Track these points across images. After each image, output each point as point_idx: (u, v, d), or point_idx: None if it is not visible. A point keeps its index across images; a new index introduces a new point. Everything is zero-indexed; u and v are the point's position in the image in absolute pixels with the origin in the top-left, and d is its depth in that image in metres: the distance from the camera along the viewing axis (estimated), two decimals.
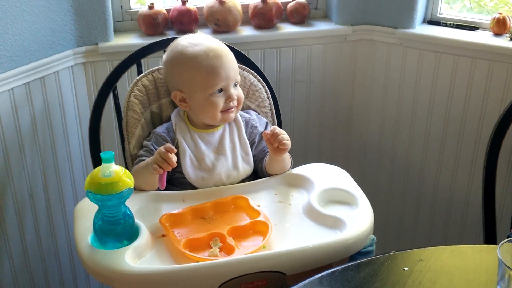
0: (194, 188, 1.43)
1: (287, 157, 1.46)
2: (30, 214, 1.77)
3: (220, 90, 1.42)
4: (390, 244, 2.23)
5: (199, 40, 1.44)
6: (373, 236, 1.35)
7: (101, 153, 1.16)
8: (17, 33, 1.60)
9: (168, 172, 1.35)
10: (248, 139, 1.50)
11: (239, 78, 1.47)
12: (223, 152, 1.46)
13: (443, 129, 1.98)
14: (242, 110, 1.56)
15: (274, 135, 1.38)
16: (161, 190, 1.38)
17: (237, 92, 1.45)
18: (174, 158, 1.32)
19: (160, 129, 1.49)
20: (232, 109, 1.45)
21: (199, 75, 1.40)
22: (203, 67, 1.40)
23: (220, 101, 1.42)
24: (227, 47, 1.47)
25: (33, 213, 1.78)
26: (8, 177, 1.68)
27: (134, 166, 1.45)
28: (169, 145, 1.34)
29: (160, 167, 1.32)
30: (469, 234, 2.06)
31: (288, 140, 1.39)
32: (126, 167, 1.50)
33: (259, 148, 1.51)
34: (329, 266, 1.14)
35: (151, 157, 1.38)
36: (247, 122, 1.52)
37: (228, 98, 1.43)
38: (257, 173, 1.51)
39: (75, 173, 1.89)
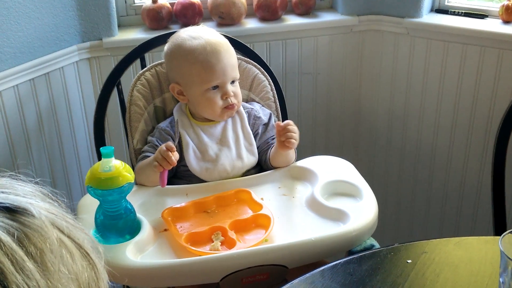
0: (199, 180, 1.43)
1: (291, 152, 1.45)
2: None
3: (216, 87, 1.41)
4: (401, 236, 2.21)
5: (200, 34, 1.43)
6: (374, 243, 1.25)
7: (100, 148, 1.16)
8: (20, 29, 1.60)
9: (169, 170, 1.34)
10: (251, 130, 1.49)
11: (237, 76, 1.45)
12: (227, 143, 1.45)
13: (452, 119, 1.95)
14: (246, 102, 1.55)
15: (285, 130, 1.37)
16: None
17: (234, 89, 1.43)
18: (175, 156, 1.30)
19: (164, 124, 1.48)
20: (233, 105, 1.43)
21: (195, 69, 1.39)
22: (199, 62, 1.39)
23: (216, 97, 1.41)
24: (228, 42, 1.46)
25: None
26: (15, 173, 1.68)
27: (138, 162, 1.44)
28: (170, 143, 1.33)
29: (160, 165, 1.31)
30: (480, 226, 2.03)
31: (296, 140, 1.37)
32: (130, 162, 1.50)
33: (262, 140, 1.50)
34: (323, 262, 1.13)
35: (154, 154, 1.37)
36: (249, 113, 1.50)
37: (224, 94, 1.41)
38: (261, 165, 1.50)
39: (82, 168, 1.89)
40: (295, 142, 1.37)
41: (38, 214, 0.50)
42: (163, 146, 1.31)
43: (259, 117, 1.50)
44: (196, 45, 1.40)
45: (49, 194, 0.55)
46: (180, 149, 1.42)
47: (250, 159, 1.46)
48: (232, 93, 1.42)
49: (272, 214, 1.24)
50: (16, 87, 1.63)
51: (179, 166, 1.43)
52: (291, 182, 1.42)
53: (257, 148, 1.48)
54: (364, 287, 1.03)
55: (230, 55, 1.43)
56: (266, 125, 1.51)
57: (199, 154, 1.43)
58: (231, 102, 1.42)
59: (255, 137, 1.49)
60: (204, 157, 1.42)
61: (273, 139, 1.46)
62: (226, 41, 1.45)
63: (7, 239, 0.46)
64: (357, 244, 1.20)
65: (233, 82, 1.43)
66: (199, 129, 1.45)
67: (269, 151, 1.46)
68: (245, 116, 1.49)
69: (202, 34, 1.43)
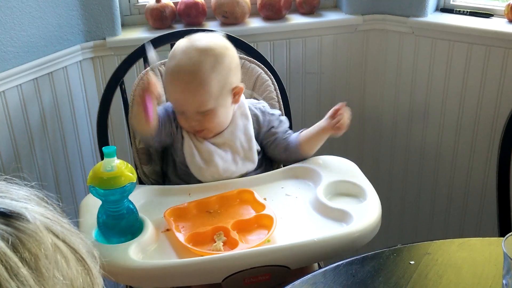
0: (198, 181, 1.42)
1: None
2: None
3: (182, 112, 1.38)
4: (405, 237, 2.20)
5: (183, 52, 1.35)
6: None
7: (103, 148, 1.16)
8: (24, 28, 1.60)
9: (162, 137, 1.36)
10: (267, 126, 1.48)
11: (208, 107, 1.34)
12: (223, 146, 1.43)
13: (457, 119, 1.94)
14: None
15: (339, 112, 1.40)
16: (154, 135, 1.38)
17: (203, 117, 1.36)
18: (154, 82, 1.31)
19: (170, 108, 1.46)
20: (200, 131, 1.40)
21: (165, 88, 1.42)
22: (165, 84, 1.41)
23: (182, 120, 1.39)
24: (210, 69, 1.32)
25: None
26: (18, 173, 1.68)
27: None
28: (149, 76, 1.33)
29: (143, 94, 1.30)
30: (486, 226, 2.02)
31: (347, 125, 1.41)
32: (134, 162, 1.50)
33: (280, 130, 1.50)
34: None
35: None
36: (263, 112, 1.49)
37: (187, 121, 1.39)
38: (275, 156, 1.50)
39: (85, 168, 1.89)
40: (346, 126, 1.40)
41: (33, 219, 0.49)
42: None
43: (273, 114, 1.50)
44: (170, 66, 1.37)
45: (44, 197, 0.54)
46: (180, 144, 1.42)
47: (246, 164, 1.44)
48: (195, 122, 1.37)
49: (275, 215, 1.24)
50: (20, 86, 1.63)
51: (179, 164, 1.43)
52: (294, 182, 1.41)
53: (276, 139, 1.47)
54: None
55: (196, 91, 1.32)
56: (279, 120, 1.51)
57: (195, 151, 1.41)
58: (196, 129, 1.39)
59: (271, 130, 1.48)
60: (200, 155, 1.40)
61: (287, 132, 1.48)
62: (206, 69, 1.32)
63: (1, 244, 0.46)
64: (361, 245, 1.19)
65: (202, 112, 1.36)
66: None
67: (302, 133, 1.46)
68: (250, 119, 1.46)
69: (184, 53, 1.34)
